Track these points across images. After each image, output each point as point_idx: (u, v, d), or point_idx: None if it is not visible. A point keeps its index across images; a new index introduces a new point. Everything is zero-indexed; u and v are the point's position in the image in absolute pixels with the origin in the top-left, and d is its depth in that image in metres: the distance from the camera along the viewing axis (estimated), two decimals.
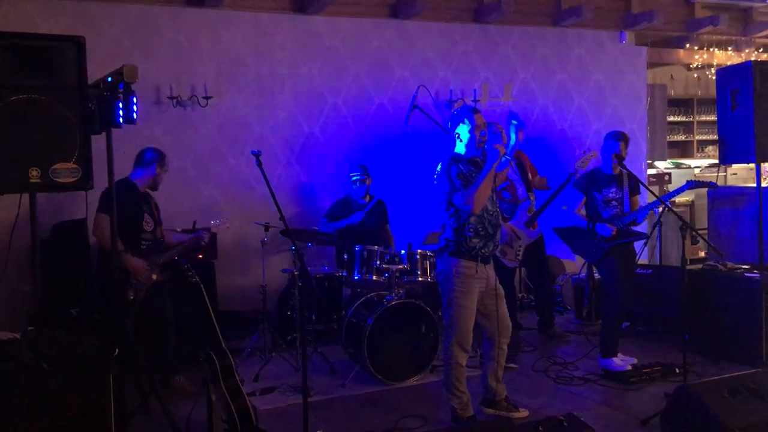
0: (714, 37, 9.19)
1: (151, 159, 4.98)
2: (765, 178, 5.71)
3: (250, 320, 5.81)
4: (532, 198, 6.10)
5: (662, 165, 9.69)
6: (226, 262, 6.15)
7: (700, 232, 5.89)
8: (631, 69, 8.35)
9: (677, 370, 4.99)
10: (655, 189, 8.35)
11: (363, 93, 6.98)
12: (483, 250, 4.19)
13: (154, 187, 5.09)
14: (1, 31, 3.36)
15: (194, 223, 5.13)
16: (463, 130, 4.24)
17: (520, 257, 6.00)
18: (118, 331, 3.63)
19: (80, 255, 5.29)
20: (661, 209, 5.14)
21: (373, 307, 5.17)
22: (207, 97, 6.23)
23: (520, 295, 7.23)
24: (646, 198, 5.75)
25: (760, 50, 9.80)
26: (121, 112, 3.56)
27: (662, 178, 9.04)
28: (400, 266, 5.28)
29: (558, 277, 7.43)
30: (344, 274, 5.67)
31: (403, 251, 5.39)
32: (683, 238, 4.43)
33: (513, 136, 6.43)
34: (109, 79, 3.59)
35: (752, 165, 5.81)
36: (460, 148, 4.27)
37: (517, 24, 7.65)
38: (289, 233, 4.16)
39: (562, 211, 5.64)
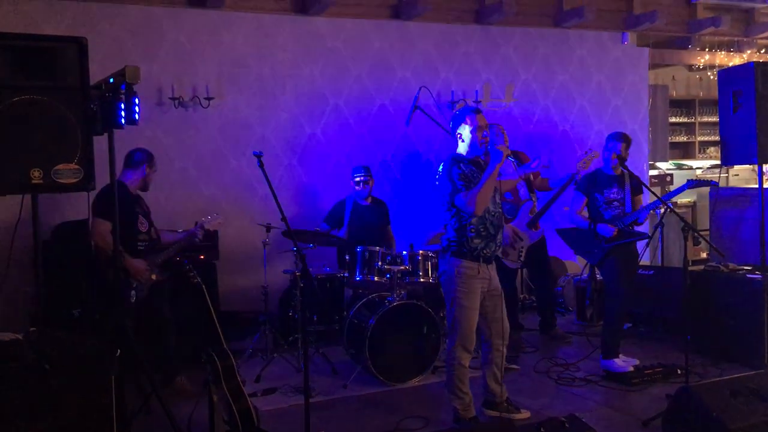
0: (716, 38, 9.18)
1: (140, 160, 4.95)
2: (767, 180, 5.69)
3: (251, 321, 5.82)
4: (534, 199, 6.10)
5: (664, 166, 9.69)
6: (227, 262, 6.15)
7: (701, 233, 5.90)
8: (632, 70, 8.35)
9: (679, 372, 5.00)
10: (657, 190, 8.35)
11: (364, 94, 6.98)
12: (485, 251, 4.19)
13: (145, 188, 5.06)
14: (2, 32, 3.36)
15: (196, 223, 5.13)
16: (465, 131, 4.23)
17: (522, 258, 5.99)
18: (119, 331, 3.63)
19: (82, 256, 5.28)
20: (663, 210, 5.13)
21: (375, 308, 5.17)
22: (208, 98, 6.24)
23: (521, 296, 7.24)
24: (647, 198, 5.74)
25: (762, 51, 9.78)
26: (123, 113, 3.56)
27: (664, 179, 9.05)
28: (402, 267, 5.28)
29: (560, 278, 7.42)
30: (346, 275, 5.68)
31: (404, 252, 5.38)
32: (685, 239, 4.43)
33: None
34: (112, 80, 3.59)
35: (754, 166, 5.81)
36: (462, 148, 4.26)
37: (519, 25, 7.64)
38: (291, 234, 4.16)
39: (563, 212, 5.64)
